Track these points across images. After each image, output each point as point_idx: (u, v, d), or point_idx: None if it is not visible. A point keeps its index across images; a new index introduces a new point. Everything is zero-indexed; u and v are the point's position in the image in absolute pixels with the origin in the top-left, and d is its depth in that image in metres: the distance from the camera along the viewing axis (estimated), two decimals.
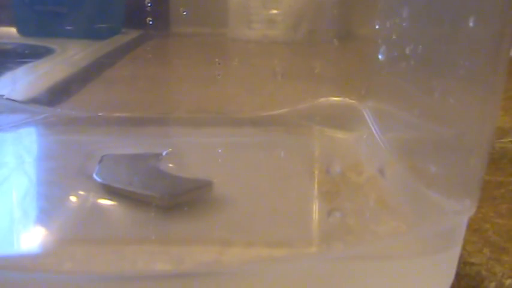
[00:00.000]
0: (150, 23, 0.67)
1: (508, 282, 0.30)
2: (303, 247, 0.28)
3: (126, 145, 0.41)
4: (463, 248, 0.32)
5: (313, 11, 0.85)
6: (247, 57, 0.76)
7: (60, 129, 0.43)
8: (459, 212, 0.28)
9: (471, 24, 0.30)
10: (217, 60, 0.49)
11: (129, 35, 0.85)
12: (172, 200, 0.31)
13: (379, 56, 0.40)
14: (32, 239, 0.28)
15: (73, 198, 0.33)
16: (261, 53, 0.71)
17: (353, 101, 0.46)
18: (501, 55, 0.28)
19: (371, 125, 0.41)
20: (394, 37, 0.39)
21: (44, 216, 0.30)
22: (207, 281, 0.26)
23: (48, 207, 0.31)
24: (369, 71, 0.43)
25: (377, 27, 0.42)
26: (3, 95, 0.48)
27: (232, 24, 0.87)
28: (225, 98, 0.51)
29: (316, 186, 0.34)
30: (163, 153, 0.37)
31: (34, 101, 0.48)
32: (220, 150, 0.41)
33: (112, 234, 0.29)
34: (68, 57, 0.69)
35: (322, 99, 0.46)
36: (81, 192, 0.33)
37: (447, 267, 0.28)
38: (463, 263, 0.32)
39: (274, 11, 0.86)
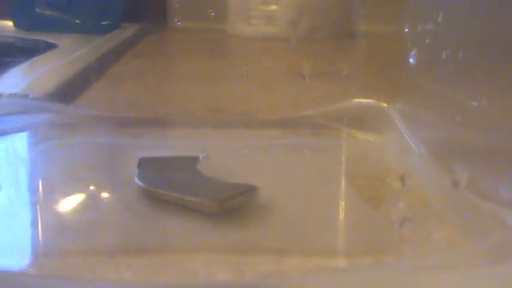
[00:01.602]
0: (178, 23, 0.66)
1: None
2: (360, 257, 0.28)
3: (156, 147, 0.40)
4: None
5: (314, 8, 0.85)
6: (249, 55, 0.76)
7: (86, 131, 0.42)
8: None
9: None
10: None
11: (129, 30, 0.84)
12: (221, 206, 0.31)
13: (410, 60, 0.40)
14: (86, 248, 0.28)
15: (118, 205, 0.32)
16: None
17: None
18: None
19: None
20: (427, 41, 0.39)
21: (94, 225, 0.30)
22: None
23: (96, 215, 0.31)
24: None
25: (406, 30, 0.42)
26: (19, 93, 0.47)
27: (232, 20, 0.86)
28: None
29: (358, 192, 0.34)
30: (201, 157, 0.36)
31: (52, 98, 0.47)
32: (247, 153, 0.41)
33: (165, 243, 0.29)
34: (73, 52, 0.68)
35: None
36: (125, 198, 0.32)
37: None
38: None
39: (274, 7, 0.86)
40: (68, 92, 0.52)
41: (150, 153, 0.37)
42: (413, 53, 0.40)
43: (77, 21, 0.84)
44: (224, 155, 0.39)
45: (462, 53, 0.35)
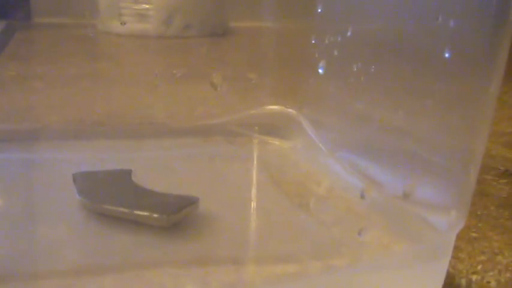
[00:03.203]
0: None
1: (474, 277, 0.34)
2: (308, 262, 0.30)
3: (79, 161, 0.41)
4: None
5: (188, 6, 0.86)
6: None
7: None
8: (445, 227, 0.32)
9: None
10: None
11: None
12: (171, 219, 0.32)
13: (320, 70, 0.43)
14: (48, 271, 0.28)
15: (65, 224, 0.32)
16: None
17: None
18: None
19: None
20: (335, 53, 0.42)
21: (47, 247, 0.30)
22: None
23: (44, 237, 0.31)
24: None
25: (313, 41, 0.45)
26: None
27: (103, 17, 0.86)
28: None
29: (286, 197, 0.37)
30: (132, 169, 0.37)
31: None
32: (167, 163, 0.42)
33: (125, 259, 0.30)
34: None
35: None
36: (70, 216, 0.33)
37: (436, 276, 0.32)
38: None
39: (146, 6, 0.86)
40: None
41: (71, 169, 0.37)
42: (321, 63, 0.43)
43: None
44: (143, 167, 0.40)
45: (362, 64, 0.38)
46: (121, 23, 0.90)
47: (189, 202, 0.33)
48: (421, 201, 0.32)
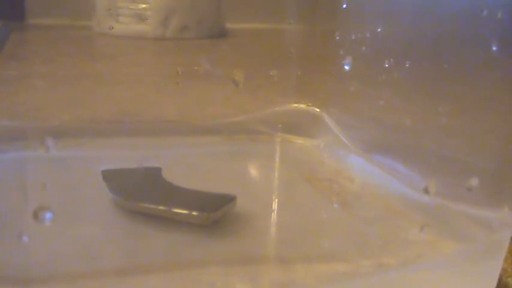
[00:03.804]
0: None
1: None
2: (359, 261, 0.29)
3: (102, 158, 0.39)
4: None
5: (185, 7, 0.85)
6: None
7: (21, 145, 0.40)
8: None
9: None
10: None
11: None
12: (211, 217, 0.31)
13: (346, 67, 0.42)
14: (93, 271, 0.27)
15: (100, 222, 0.31)
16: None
17: None
18: None
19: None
20: (363, 49, 0.41)
21: (88, 247, 0.29)
22: None
23: (82, 236, 0.30)
24: None
25: (338, 38, 0.44)
26: None
27: (99, 18, 0.84)
28: None
29: (322, 195, 0.36)
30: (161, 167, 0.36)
31: None
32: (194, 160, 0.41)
33: (170, 258, 0.29)
34: None
35: None
36: (104, 215, 0.31)
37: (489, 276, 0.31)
38: None
39: (143, 6, 0.85)
40: None
41: (97, 166, 0.36)
42: (347, 60, 0.42)
43: None
44: (169, 164, 0.39)
45: (393, 60, 0.37)
46: (109, 28, 0.88)
47: (227, 200, 0.32)
48: (469, 198, 0.31)
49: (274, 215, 0.32)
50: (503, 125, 0.32)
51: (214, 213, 0.31)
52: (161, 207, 0.31)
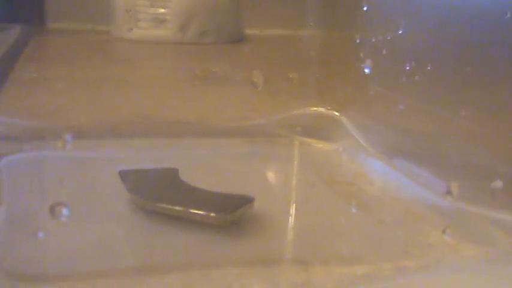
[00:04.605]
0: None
1: None
2: (379, 263, 0.29)
3: (120, 159, 0.39)
4: None
5: (205, 12, 0.85)
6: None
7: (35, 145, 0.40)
8: None
9: None
10: None
11: (9, 32, 0.80)
12: (228, 218, 0.31)
13: (366, 70, 0.42)
14: (106, 270, 0.27)
15: (118, 222, 0.31)
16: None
17: None
18: None
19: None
20: (384, 52, 0.41)
21: (103, 246, 0.29)
22: None
23: (98, 235, 0.30)
24: None
25: (358, 41, 0.44)
26: None
27: (118, 23, 0.84)
28: None
29: (341, 198, 0.35)
30: (178, 168, 0.36)
31: None
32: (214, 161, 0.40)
33: (188, 258, 0.28)
34: None
35: None
36: (122, 214, 0.31)
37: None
38: None
39: (163, 10, 0.85)
40: None
41: (115, 167, 0.36)
42: (367, 62, 0.41)
43: None
44: (186, 165, 0.38)
45: (414, 64, 0.37)
46: (127, 31, 0.89)
47: (245, 201, 0.32)
48: (491, 202, 0.31)
49: (292, 217, 0.32)
50: None
51: (232, 215, 0.30)
52: (178, 208, 0.31)
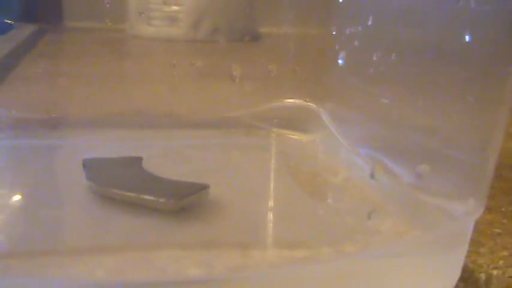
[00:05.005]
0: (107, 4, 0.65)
1: (495, 272, 0.33)
2: (319, 248, 0.29)
3: (93, 148, 0.40)
4: None
5: (217, 10, 0.86)
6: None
7: (13, 134, 0.41)
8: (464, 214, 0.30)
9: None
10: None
11: (25, 30, 0.82)
12: (178, 204, 0.31)
13: (339, 61, 0.42)
14: (52, 248, 0.28)
15: (70, 206, 0.32)
16: None
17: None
18: None
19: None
20: (356, 44, 0.41)
21: (55, 227, 0.30)
22: (237, 285, 0.27)
23: (52, 218, 0.31)
24: None
25: (334, 33, 0.44)
26: None
27: (132, 21, 0.86)
28: None
29: (302, 187, 0.36)
30: (142, 157, 0.36)
31: None
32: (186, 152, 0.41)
33: (131, 241, 0.29)
34: None
35: None
36: (77, 199, 0.32)
37: (452, 266, 0.30)
38: None
39: (175, 8, 0.86)
40: None
41: (84, 155, 0.37)
42: (342, 55, 0.42)
43: None
44: (161, 155, 0.39)
45: (384, 54, 0.37)
46: (141, 30, 0.90)
47: (199, 188, 0.32)
48: (437, 189, 0.31)
49: (245, 205, 0.33)
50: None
51: (181, 201, 0.31)
52: (131, 194, 0.31)
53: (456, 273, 0.30)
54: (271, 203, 0.33)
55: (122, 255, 0.27)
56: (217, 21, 0.89)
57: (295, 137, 0.43)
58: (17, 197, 0.32)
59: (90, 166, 0.34)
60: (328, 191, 0.35)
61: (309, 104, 0.45)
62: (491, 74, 0.31)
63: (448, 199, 0.31)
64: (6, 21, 0.80)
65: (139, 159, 0.36)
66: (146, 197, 0.31)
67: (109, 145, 0.40)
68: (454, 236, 0.30)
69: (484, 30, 0.32)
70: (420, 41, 0.37)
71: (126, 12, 0.87)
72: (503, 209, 0.40)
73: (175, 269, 0.27)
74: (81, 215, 0.31)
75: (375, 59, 0.39)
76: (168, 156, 0.39)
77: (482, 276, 0.32)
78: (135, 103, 0.52)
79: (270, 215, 0.32)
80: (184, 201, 0.31)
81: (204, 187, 0.32)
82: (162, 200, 0.31)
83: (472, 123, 0.31)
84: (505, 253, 0.34)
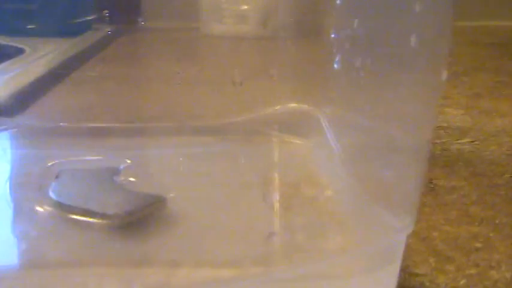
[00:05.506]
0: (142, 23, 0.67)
1: None
2: (249, 267, 0.29)
3: (87, 158, 0.41)
4: (409, 259, 0.33)
5: (284, 7, 0.85)
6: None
7: (22, 143, 0.43)
8: (398, 230, 0.29)
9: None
10: None
11: (100, 31, 0.85)
12: (126, 218, 0.31)
13: (335, 65, 0.41)
14: None
15: (27, 217, 0.33)
16: None
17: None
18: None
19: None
20: (347, 47, 0.40)
21: None
22: None
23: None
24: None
25: (333, 36, 0.43)
26: None
27: (205, 20, 0.87)
28: None
29: (268, 199, 0.35)
30: (121, 167, 0.37)
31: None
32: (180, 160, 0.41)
33: (63, 256, 0.30)
34: (38, 57, 0.69)
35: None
36: (38, 210, 0.33)
37: (388, 282, 0.29)
38: (408, 273, 0.32)
39: (245, 6, 0.86)
40: (22, 100, 0.53)
41: (79, 165, 0.37)
42: (337, 58, 0.40)
43: (47, 24, 0.84)
44: (152, 164, 0.40)
45: (372, 59, 0.36)
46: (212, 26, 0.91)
47: (152, 201, 0.32)
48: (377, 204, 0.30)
49: (199, 219, 0.32)
50: None
51: (131, 214, 0.31)
52: (83, 207, 0.32)
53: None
54: (224, 219, 0.33)
55: (46, 271, 0.28)
56: (284, 18, 0.89)
57: None
58: None
59: (61, 178, 0.35)
60: (299, 204, 0.35)
61: None
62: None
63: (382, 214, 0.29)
64: (81, 21, 0.83)
65: (115, 170, 0.36)
66: (95, 210, 0.32)
67: (99, 154, 0.41)
68: (388, 249, 0.28)
69: None
70: None
71: (199, 11, 0.89)
72: (496, 221, 0.37)
73: (96, 286, 0.27)
74: (26, 230, 0.32)
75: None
76: (155, 166, 0.39)
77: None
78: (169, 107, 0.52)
79: (216, 232, 0.31)
80: (133, 215, 0.32)
81: (158, 200, 0.33)
82: (110, 213, 0.31)
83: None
84: (473, 271, 0.32)
